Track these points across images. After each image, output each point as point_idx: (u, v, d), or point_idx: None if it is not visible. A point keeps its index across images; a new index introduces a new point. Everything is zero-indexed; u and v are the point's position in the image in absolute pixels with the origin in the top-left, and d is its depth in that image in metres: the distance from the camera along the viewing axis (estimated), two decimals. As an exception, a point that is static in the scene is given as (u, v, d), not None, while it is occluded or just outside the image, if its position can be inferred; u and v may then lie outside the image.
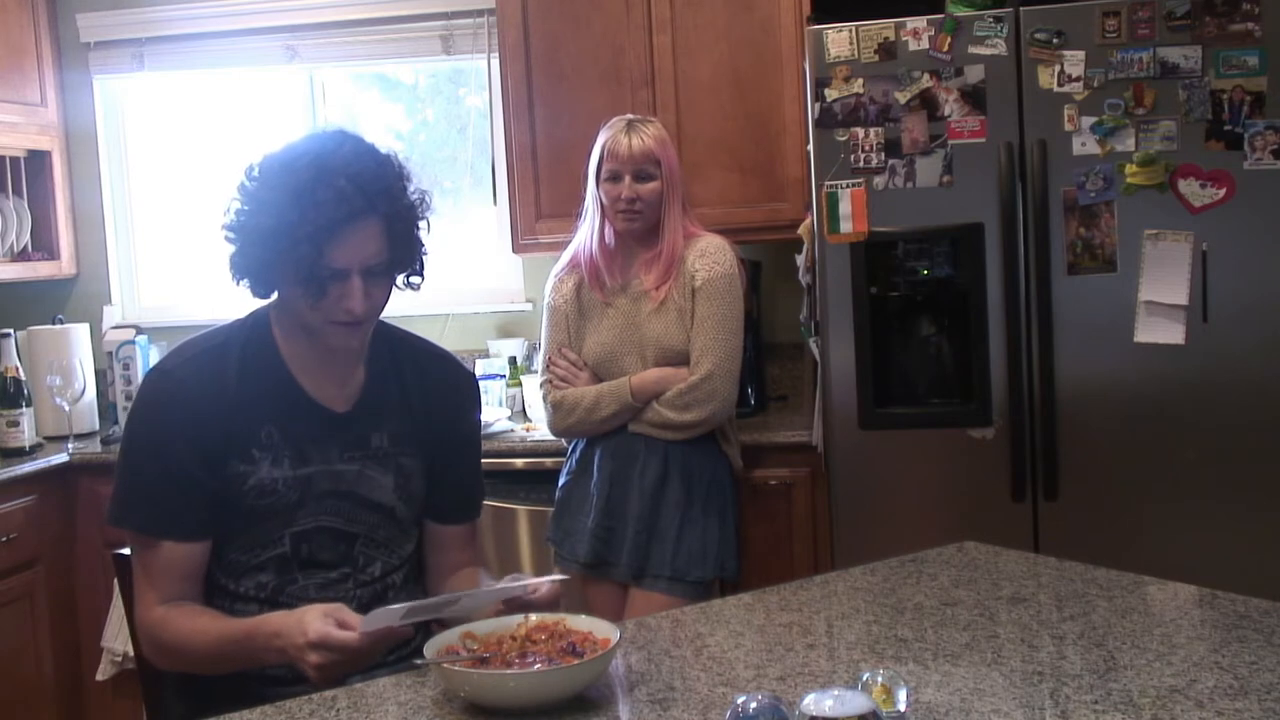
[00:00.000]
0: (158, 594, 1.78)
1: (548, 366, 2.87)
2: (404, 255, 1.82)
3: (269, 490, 1.80)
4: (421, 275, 1.88)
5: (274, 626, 1.67)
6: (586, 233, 2.84)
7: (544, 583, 1.69)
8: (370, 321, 1.83)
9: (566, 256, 2.90)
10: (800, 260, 3.16)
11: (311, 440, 1.83)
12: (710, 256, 2.75)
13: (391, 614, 1.59)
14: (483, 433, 2.95)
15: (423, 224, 1.84)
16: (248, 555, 1.82)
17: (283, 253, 1.72)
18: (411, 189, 1.82)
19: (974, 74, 2.85)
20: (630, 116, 2.83)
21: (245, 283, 1.81)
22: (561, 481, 2.93)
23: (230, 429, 1.78)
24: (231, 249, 1.79)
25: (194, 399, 1.77)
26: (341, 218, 1.71)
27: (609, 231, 2.82)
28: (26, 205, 4.09)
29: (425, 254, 1.87)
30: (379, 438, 1.88)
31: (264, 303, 1.88)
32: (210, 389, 1.78)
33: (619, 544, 2.77)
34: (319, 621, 1.61)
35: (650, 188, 2.75)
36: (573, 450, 2.93)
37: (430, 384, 1.96)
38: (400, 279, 1.86)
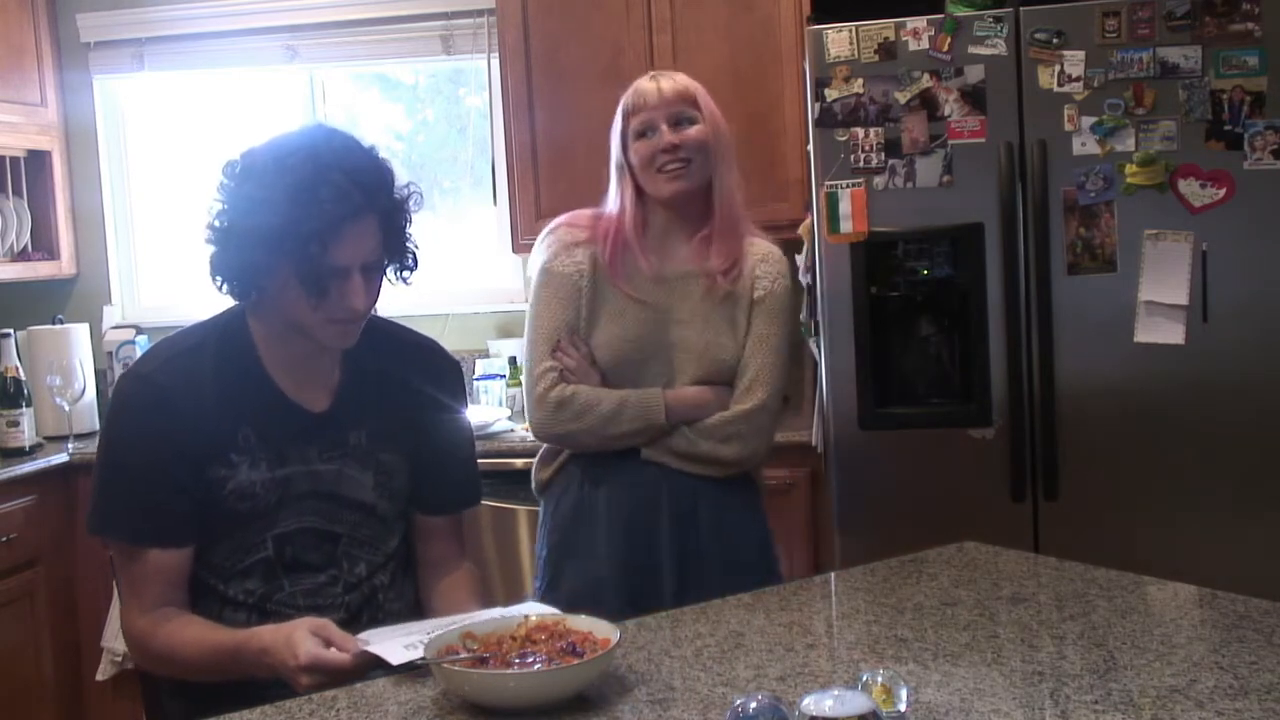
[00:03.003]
0: (143, 602, 1.77)
1: (553, 351, 2.22)
2: (397, 249, 1.82)
3: (247, 494, 1.78)
4: (414, 269, 1.86)
5: (263, 643, 1.65)
6: (615, 205, 2.28)
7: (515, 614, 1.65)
8: (366, 318, 1.81)
9: (574, 219, 2.32)
10: (800, 260, 3.16)
11: (289, 441, 1.81)
12: (775, 265, 2.28)
13: (389, 648, 1.58)
14: (482, 432, 2.92)
15: (410, 216, 1.83)
16: (232, 560, 1.81)
17: (284, 253, 1.69)
18: (399, 183, 1.81)
19: (974, 74, 2.85)
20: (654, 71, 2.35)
21: (227, 285, 1.77)
22: (545, 551, 2.30)
23: (209, 433, 1.76)
24: (213, 250, 1.76)
25: (172, 404, 1.75)
26: (344, 215, 1.69)
27: (645, 205, 2.26)
28: (26, 205, 4.09)
29: (417, 247, 1.86)
30: (357, 435, 1.86)
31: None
32: (188, 393, 1.76)
33: (655, 592, 2.18)
34: (309, 643, 1.60)
35: (695, 131, 2.21)
36: (552, 498, 2.31)
37: (410, 374, 1.94)
38: (392, 272, 1.84)
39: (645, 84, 2.25)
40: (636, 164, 2.23)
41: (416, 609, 1.94)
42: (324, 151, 1.72)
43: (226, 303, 1.85)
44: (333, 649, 1.60)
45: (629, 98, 2.26)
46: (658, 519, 2.20)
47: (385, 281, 1.85)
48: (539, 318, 2.25)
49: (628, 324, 2.23)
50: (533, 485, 2.35)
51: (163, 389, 1.76)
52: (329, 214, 1.68)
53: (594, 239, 2.26)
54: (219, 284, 1.78)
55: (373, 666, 1.60)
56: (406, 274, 1.86)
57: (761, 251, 2.29)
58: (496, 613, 1.68)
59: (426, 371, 1.97)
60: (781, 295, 2.27)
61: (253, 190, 1.72)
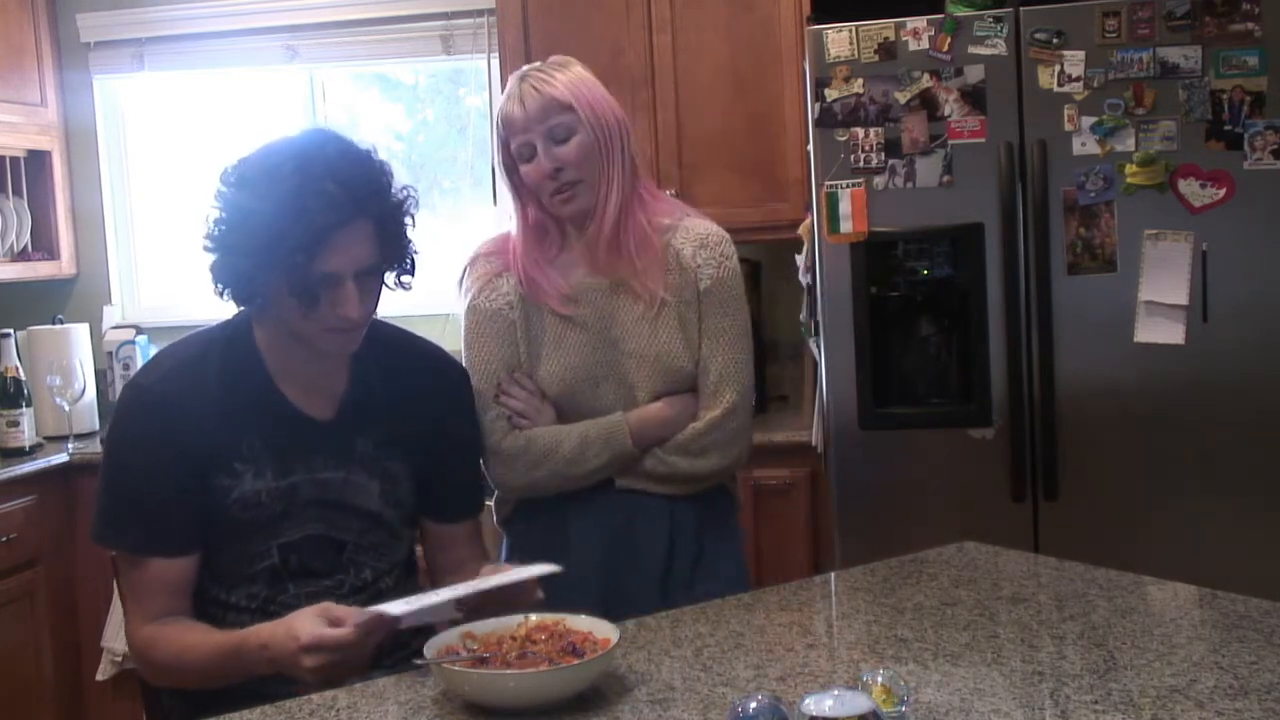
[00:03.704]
0: (146, 611, 1.76)
1: (498, 396, 2.04)
2: (394, 254, 1.80)
3: (252, 503, 1.77)
4: (412, 274, 1.84)
5: (261, 638, 1.64)
6: (516, 225, 2.09)
7: (525, 577, 1.67)
8: (365, 325, 1.79)
9: (490, 247, 2.13)
10: (800, 260, 3.16)
11: (294, 450, 1.80)
12: (716, 249, 2.07)
13: (389, 606, 1.58)
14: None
15: (409, 221, 1.81)
16: (236, 567, 1.80)
17: (272, 263, 1.67)
18: (397, 186, 1.78)
19: (974, 74, 2.85)
20: (525, 67, 2.06)
21: (227, 292, 1.75)
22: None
23: (213, 443, 1.75)
24: (212, 258, 1.74)
25: (175, 415, 1.73)
26: (333, 224, 1.67)
27: (546, 223, 2.07)
28: (26, 205, 4.09)
29: (415, 252, 1.83)
30: (364, 442, 1.85)
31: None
32: (191, 403, 1.74)
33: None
34: (310, 623, 1.58)
35: (573, 146, 1.98)
36: (516, 536, 2.13)
37: (417, 381, 1.92)
38: (391, 279, 1.82)
39: (509, 107, 2.00)
40: (529, 186, 2.02)
41: None
42: (316, 158, 1.69)
43: (226, 304, 1.84)
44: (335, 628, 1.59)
45: (498, 123, 2.03)
46: (634, 545, 2.03)
47: (385, 287, 1.82)
48: (474, 362, 2.05)
49: (569, 350, 2.03)
50: (494, 519, 2.16)
51: (166, 400, 1.75)
52: (316, 223, 1.65)
53: (509, 268, 2.07)
54: (219, 291, 1.76)
55: (373, 642, 1.59)
56: (406, 279, 1.84)
57: (697, 235, 2.07)
58: (510, 576, 1.66)
59: (433, 378, 1.95)
60: (730, 280, 2.06)
61: (244, 200, 1.70)
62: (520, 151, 2.01)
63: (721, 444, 2.03)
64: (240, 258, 1.71)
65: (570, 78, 2.01)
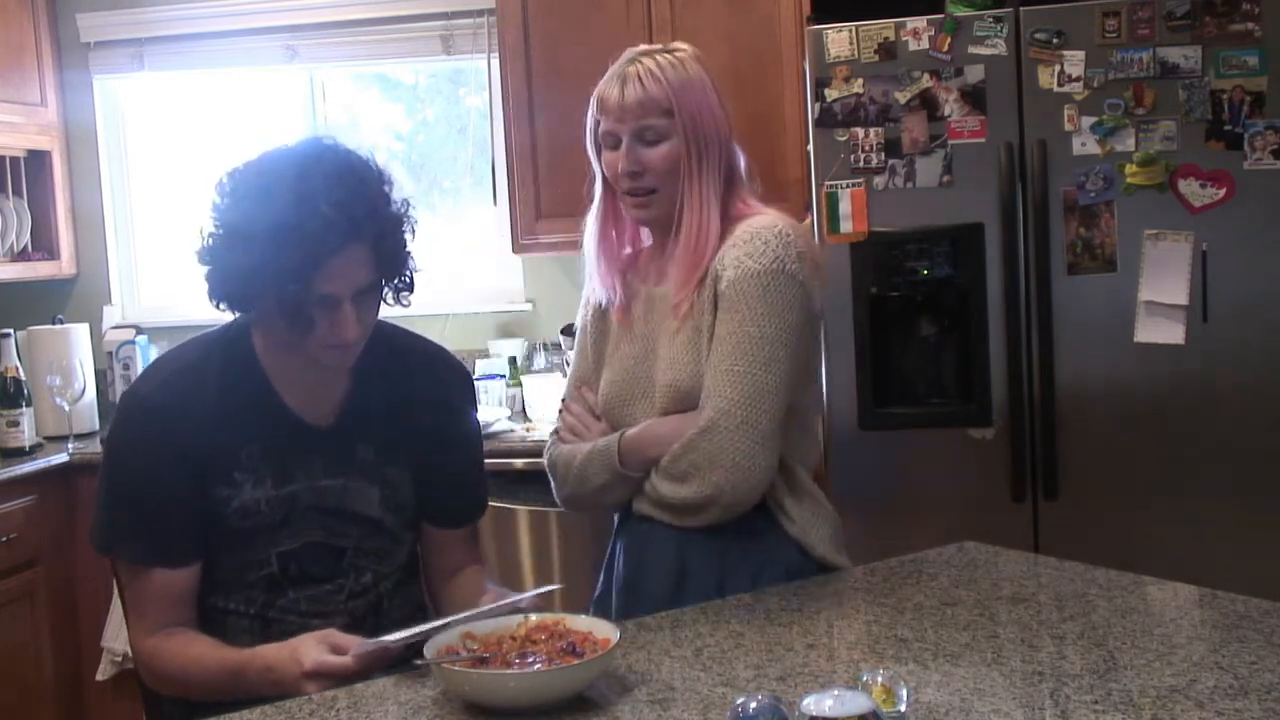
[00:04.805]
0: (150, 622, 1.75)
1: (560, 409, 2.04)
2: (392, 269, 1.76)
3: (252, 512, 1.76)
4: (411, 290, 1.81)
5: (266, 661, 1.64)
6: (593, 224, 1.99)
7: (530, 597, 1.68)
8: (364, 340, 1.76)
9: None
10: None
11: (294, 457, 1.78)
12: (745, 245, 1.81)
13: (387, 638, 1.58)
14: (484, 433, 2.90)
15: (408, 233, 1.76)
16: (235, 575, 1.79)
17: (266, 287, 1.64)
18: (395, 198, 1.74)
19: (974, 74, 2.85)
20: (643, 47, 1.93)
21: (222, 303, 1.72)
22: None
23: (212, 450, 1.73)
24: (206, 269, 1.70)
25: (173, 425, 1.72)
26: (329, 250, 1.62)
27: (621, 220, 1.98)
28: (26, 205, 4.09)
29: (415, 270, 1.79)
30: (364, 448, 1.84)
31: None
32: (190, 412, 1.72)
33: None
34: (314, 650, 1.58)
35: (660, 153, 1.85)
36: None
37: (418, 384, 1.90)
38: (389, 295, 1.79)
39: (609, 88, 1.87)
40: (606, 174, 1.93)
41: (421, 613, 1.93)
42: (312, 175, 1.64)
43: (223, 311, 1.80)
44: (338, 656, 1.59)
45: (594, 98, 1.91)
46: (642, 576, 1.91)
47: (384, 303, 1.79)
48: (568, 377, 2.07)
49: (615, 364, 1.95)
50: None
51: (164, 409, 1.73)
52: (311, 249, 1.61)
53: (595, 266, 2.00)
54: (215, 303, 1.74)
55: (375, 670, 1.60)
56: (404, 295, 1.80)
57: (740, 233, 1.84)
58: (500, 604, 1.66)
59: (434, 381, 1.93)
60: (745, 281, 1.79)
61: (238, 218, 1.66)
62: (605, 138, 1.90)
63: (701, 468, 1.78)
64: (234, 275, 1.68)
65: (680, 79, 1.85)
